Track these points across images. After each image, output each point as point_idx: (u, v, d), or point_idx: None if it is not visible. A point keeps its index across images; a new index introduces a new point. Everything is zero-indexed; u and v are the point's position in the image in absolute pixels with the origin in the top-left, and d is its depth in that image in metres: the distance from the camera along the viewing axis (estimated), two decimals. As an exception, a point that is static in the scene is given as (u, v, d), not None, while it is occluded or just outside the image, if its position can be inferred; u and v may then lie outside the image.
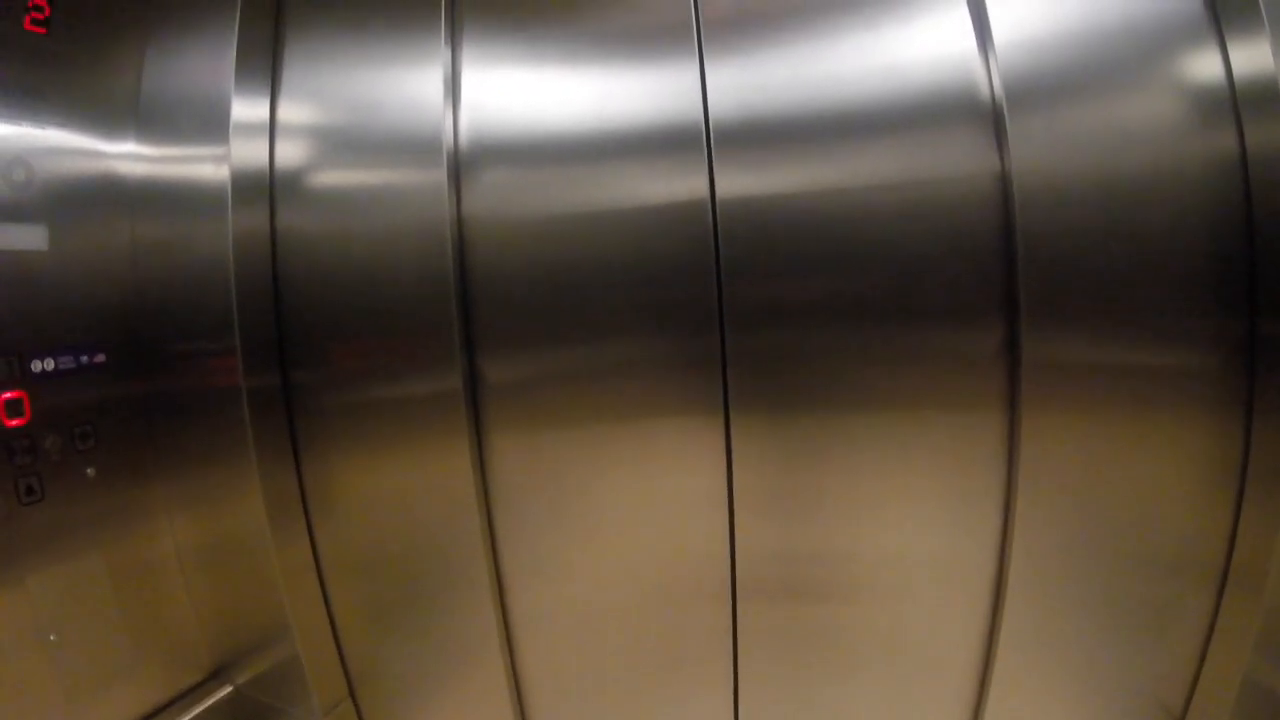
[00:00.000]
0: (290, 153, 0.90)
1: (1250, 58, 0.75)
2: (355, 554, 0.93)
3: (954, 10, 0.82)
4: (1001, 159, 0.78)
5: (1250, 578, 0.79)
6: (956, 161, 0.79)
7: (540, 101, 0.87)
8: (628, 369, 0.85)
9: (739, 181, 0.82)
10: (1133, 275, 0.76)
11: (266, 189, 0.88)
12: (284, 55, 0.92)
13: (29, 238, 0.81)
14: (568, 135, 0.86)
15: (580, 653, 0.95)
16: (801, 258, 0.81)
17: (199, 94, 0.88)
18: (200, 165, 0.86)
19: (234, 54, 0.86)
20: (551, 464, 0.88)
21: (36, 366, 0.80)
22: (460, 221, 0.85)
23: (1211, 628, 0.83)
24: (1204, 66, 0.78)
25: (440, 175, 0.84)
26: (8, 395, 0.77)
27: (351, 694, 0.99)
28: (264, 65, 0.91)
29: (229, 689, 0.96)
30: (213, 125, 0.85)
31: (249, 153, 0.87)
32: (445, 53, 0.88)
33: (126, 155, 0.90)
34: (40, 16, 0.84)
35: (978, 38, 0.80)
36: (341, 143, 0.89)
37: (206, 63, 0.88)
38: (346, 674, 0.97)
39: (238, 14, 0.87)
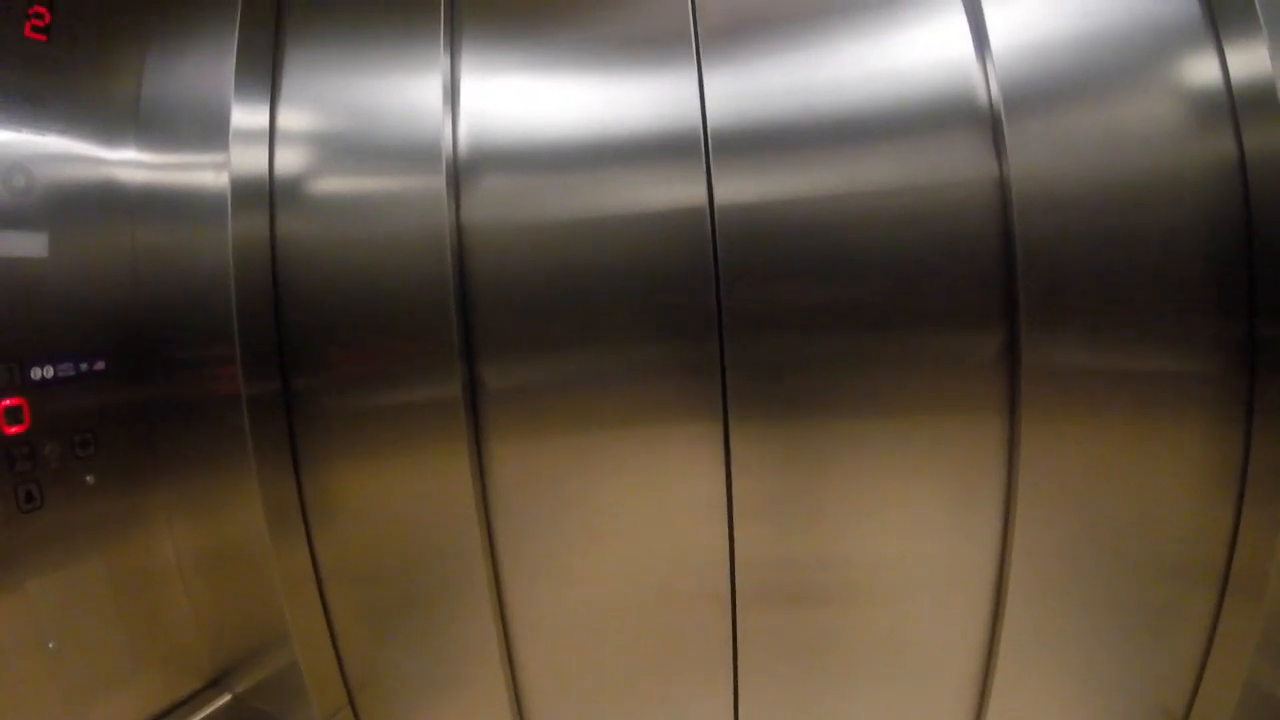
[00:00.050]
0: (290, 160, 0.90)
1: (1248, 61, 0.75)
2: (355, 561, 0.93)
3: (951, 16, 0.82)
4: (1000, 164, 0.78)
5: (1251, 581, 0.79)
6: (955, 167, 0.79)
7: (539, 108, 0.88)
8: (626, 375, 0.85)
9: (737, 188, 0.82)
10: (1132, 279, 0.76)
11: (266, 196, 0.88)
12: (284, 62, 0.93)
13: (29, 244, 0.81)
14: (566, 142, 0.86)
15: (580, 659, 0.95)
16: (800, 263, 0.81)
17: (199, 101, 0.88)
18: (200, 172, 0.86)
19: (234, 61, 0.86)
20: (551, 470, 0.88)
21: (36, 374, 0.80)
22: (459, 228, 0.85)
23: (1213, 631, 0.83)
24: (1201, 70, 0.78)
25: (439, 182, 0.85)
26: (7, 402, 0.77)
27: (351, 702, 0.99)
28: (264, 72, 0.91)
29: (228, 696, 0.96)
30: (213, 132, 0.86)
31: (249, 159, 0.87)
32: (444, 60, 0.88)
33: (126, 162, 0.90)
34: (40, 24, 0.85)
35: (975, 43, 0.81)
36: (341, 150, 0.89)
37: (206, 69, 0.88)
38: (346, 681, 0.97)
39: (237, 21, 0.88)
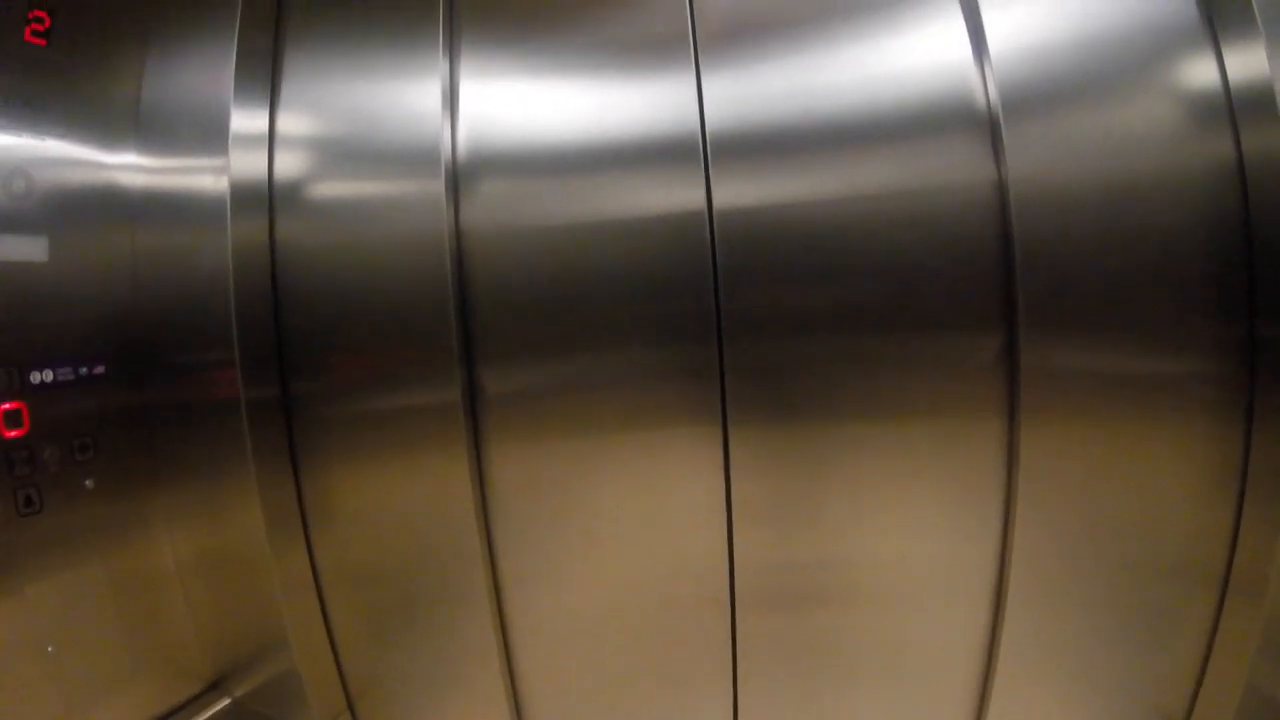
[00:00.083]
0: (289, 164, 0.90)
1: (1245, 63, 0.76)
2: (354, 566, 0.93)
3: (950, 20, 0.82)
4: (998, 167, 0.78)
5: (1252, 582, 0.79)
6: (953, 170, 0.79)
7: (538, 113, 0.88)
8: (625, 380, 0.85)
9: (736, 192, 0.82)
10: (1131, 281, 0.77)
11: (266, 200, 0.88)
12: (283, 67, 0.93)
13: (29, 248, 0.81)
14: (565, 146, 0.86)
15: (579, 664, 0.94)
16: (799, 267, 0.81)
17: (199, 105, 0.88)
18: (200, 176, 0.86)
19: (233, 65, 0.86)
20: (550, 475, 0.88)
21: (35, 378, 0.80)
22: (459, 233, 0.85)
23: (1213, 633, 0.83)
24: (1199, 73, 0.78)
25: (438, 187, 0.85)
26: (7, 406, 0.77)
27: (350, 706, 0.98)
28: (263, 77, 0.91)
29: (227, 701, 0.96)
30: (212, 136, 0.86)
31: (248, 164, 0.87)
32: (443, 65, 0.89)
33: (126, 166, 0.90)
34: (40, 28, 0.85)
35: (973, 47, 0.81)
36: (340, 154, 0.90)
37: (206, 74, 0.88)
38: (345, 686, 0.97)
39: (237, 25, 0.88)
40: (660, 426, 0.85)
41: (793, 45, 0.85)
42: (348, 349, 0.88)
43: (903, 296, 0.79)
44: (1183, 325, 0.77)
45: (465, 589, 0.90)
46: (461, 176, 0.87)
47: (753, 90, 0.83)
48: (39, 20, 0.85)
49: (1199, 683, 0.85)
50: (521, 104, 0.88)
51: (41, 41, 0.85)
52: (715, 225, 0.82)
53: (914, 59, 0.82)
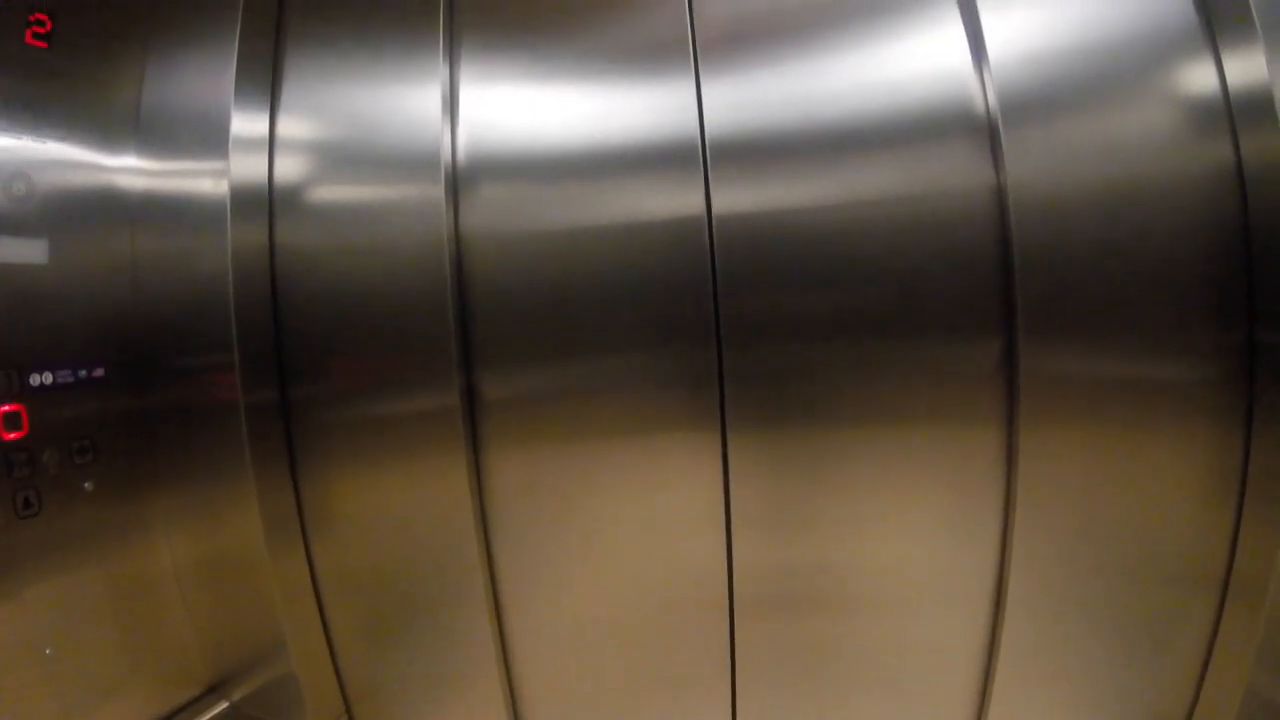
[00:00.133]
0: (289, 168, 0.90)
1: (1245, 68, 0.76)
2: (352, 570, 0.92)
3: (949, 26, 0.82)
4: (997, 173, 0.78)
5: (1251, 587, 0.78)
6: (952, 176, 0.79)
7: (538, 118, 0.88)
8: (624, 385, 0.85)
9: (735, 197, 0.82)
10: (1130, 286, 0.77)
11: (266, 204, 0.88)
12: (284, 71, 0.93)
13: (29, 251, 0.81)
14: (565, 152, 0.86)
15: (577, 669, 0.94)
16: (798, 273, 0.81)
17: (199, 108, 0.88)
18: (200, 180, 0.86)
19: (234, 69, 0.87)
20: (548, 480, 0.88)
21: (35, 380, 0.80)
22: (458, 238, 0.85)
23: (1213, 639, 0.83)
24: (1198, 78, 0.78)
25: (438, 191, 0.85)
26: (6, 408, 0.77)
27: (348, 711, 0.98)
28: (264, 81, 0.91)
29: (225, 705, 0.96)
30: (212, 140, 0.86)
31: (248, 167, 0.87)
32: (444, 70, 0.89)
33: (127, 169, 0.90)
34: (42, 31, 0.85)
35: (973, 53, 0.81)
36: (340, 158, 0.90)
37: (207, 77, 0.88)
38: (343, 691, 0.97)
39: (238, 29, 0.88)
40: (659, 432, 0.85)
41: (792, 51, 0.85)
42: (347, 353, 0.88)
43: (902, 302, 0.79)
44: (1182, 330, 0.77)
45: (463, 593, 0.90)
46: (461, 181, 0.87)
47: (752, 96, 0.84)
48: (40, 23, 0.85)
49: (1199, 687, 0.85)
50: (521, 109, 0.88)
51: (43, 44, 0.85)
52: (714, 231, 0.82)
53: (913, 65, 0.82)
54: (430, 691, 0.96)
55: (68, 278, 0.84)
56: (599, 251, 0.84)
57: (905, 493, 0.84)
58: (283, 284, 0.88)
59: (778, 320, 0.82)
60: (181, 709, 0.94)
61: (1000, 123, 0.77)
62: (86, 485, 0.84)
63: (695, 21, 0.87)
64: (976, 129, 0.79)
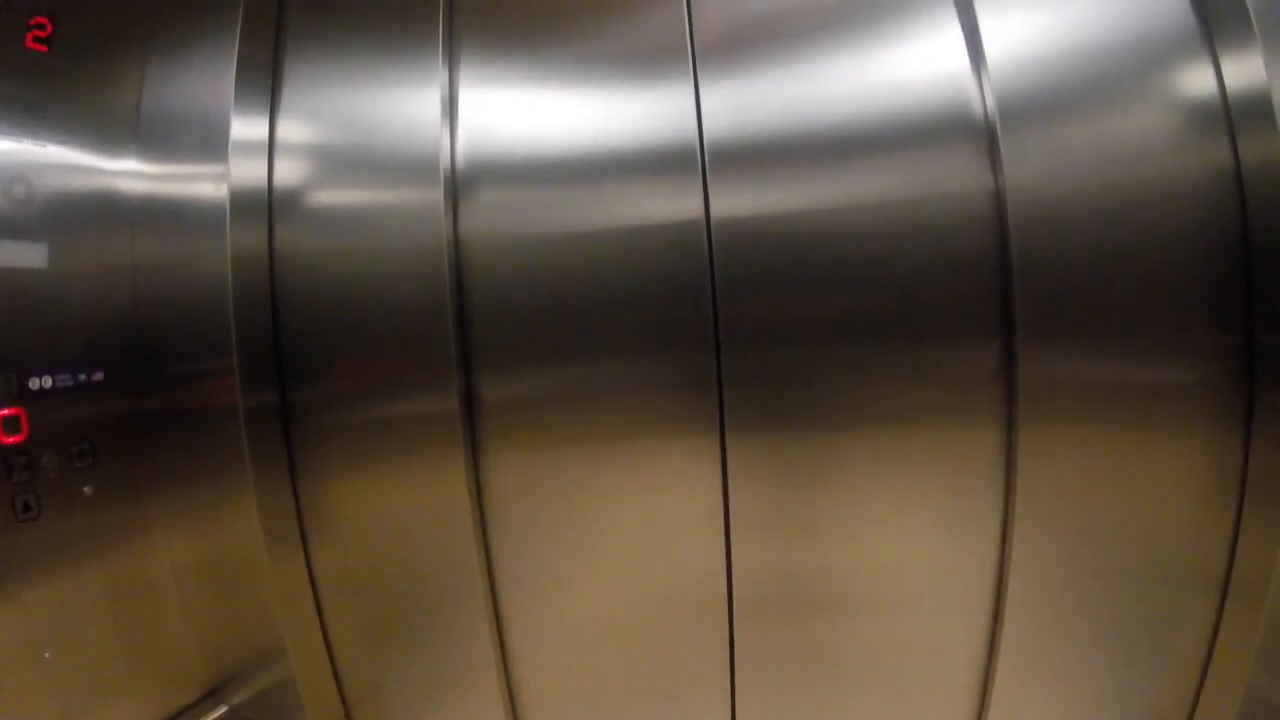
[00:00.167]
0: (289, 172, 0.90)
1: (1243, 72, 0.76)
2: (351, 573, 0.92)
3: (947, 30, 0.82)
4: (995, 176, 0.78)
5: (1251, 589, 0.79)
6: (951, 180, 0.79)
7: (537, 122, 0.88)
8: (623, 389, 0.85)
9: (734, 201, 0.82)
10: (1128, 290, 0.77)
11: (265, 208, 0.88)
12: (283, 75, 0.93)
13: (28, 254, 0.82)
14: (563, 156, 0.86)
15: (577, 673, 0.94)
16: (796, 277, 0.81)
17: (199, 112, 0.88)
18: (200, 183, 0.87)
19: (234, 73, 0.87)
20: (548, 483, 0.88)
21: (34, 384, 0.80)
22: (457, 241, 0.85)
23: (1213, 641, 0.83)
24: (1197, 81, 0.78)
25: (437, 195, 0.85)
26: (5, 412, 0.77)
27: (347, 714, 0.98)
28: (263, 85, 0.91)
29: (224, 709, 0.96)
30: (212, 144, 0.86)
31: (248, 171, 0.87)
32: (443, 74, 0.89)
33: (127, 173, 0.90)
34: (42, 34, 0.85)
35: (971, 57, 0.81)
36: (340, 162, 0.90)
37: (207, 81, 0.89)
38: (342, 694, 0.97)
39: (238, 33, 0.88)
40: (658, 435, 0.85)
41: (790, 56, 0.85)
42: (346, 356, 0.88)
43: (900, 306, 0.79)
44: (1181, 332, 0.77)
45: (463, 596, 0.90)
46: (460, 185, 0.87)
47: (751, 100, 0.84)
48: (40, 27, 0.85)
49: (1199, 689, 0.85)
50: (520, 113, 0.89)
51: (43, 48, 0.85)
52: (713, 234, 0.82)
53: (911, 69, 0.82)
54: (429, 694, 0.95)
55: (67, 281, 0.84)
56: (598, 255, 0.84)
57: (904, 495, 0.84)
58: (282, 287, 0.88)
59: (776, 323, 0.82)
60: (180, 712, 0.94)
61: (998, 126, 0.77)
62: (86, 489, 0.84)
63: (694, 26, 0.87)
64: (975, 133, 0.79)
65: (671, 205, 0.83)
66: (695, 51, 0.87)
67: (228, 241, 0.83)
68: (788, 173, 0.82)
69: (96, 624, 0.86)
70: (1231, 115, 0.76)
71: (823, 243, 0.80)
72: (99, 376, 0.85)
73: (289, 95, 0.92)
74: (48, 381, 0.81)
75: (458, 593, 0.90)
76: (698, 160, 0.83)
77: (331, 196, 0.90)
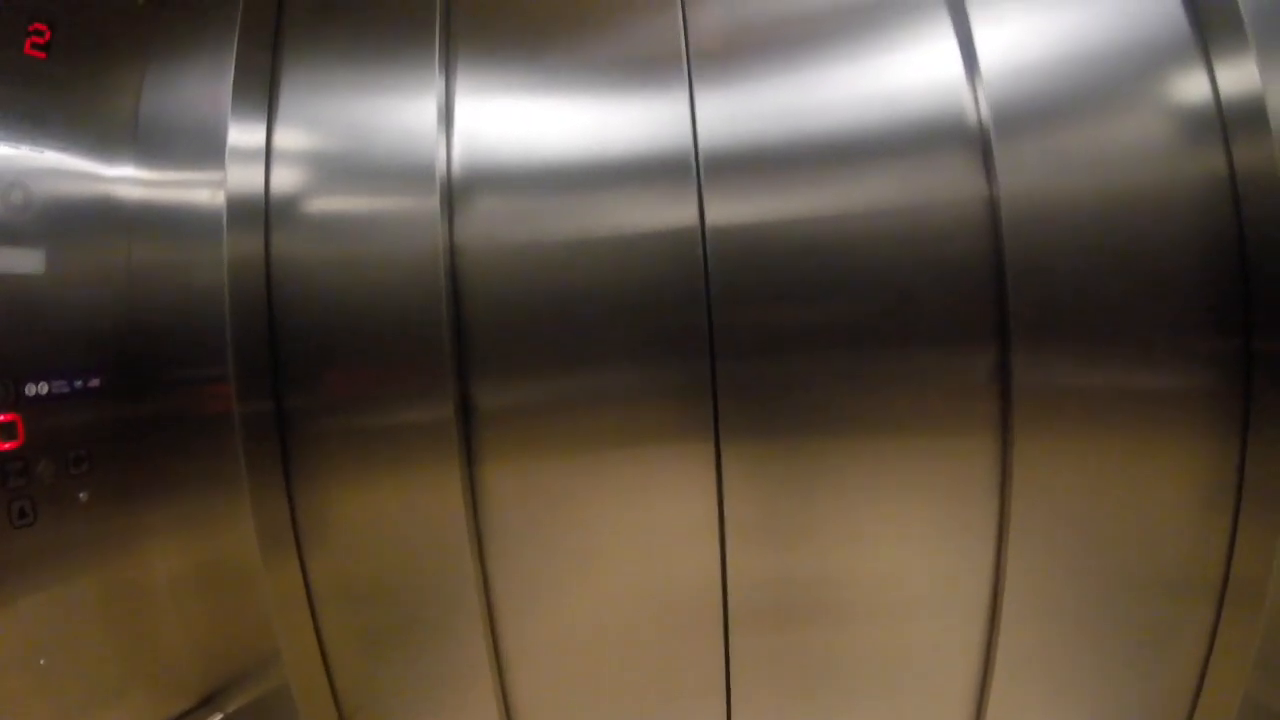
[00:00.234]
0: (285, 179, 0.90)
1: (1237, 77, 0.76)
2: (347, 582, 0.92)
3: (941, 38, 0.83)
4: (990, 184, 0.78)
5: (1248, 595, 0.79)
6: (945, 188, 0.80)
7: (533, 130, 0.88)
8: (618, 397, 0.85)
9: (728, 209, 0.82)
10: (1123, 297, 0.77)
11: (262, 215, 0.88)
12: (281, 83, 0.93)
13: (25, 260, 0.82)
14: (559, 164, 0.86)
15: (572, 680, 0.94)
16: (791, 285, 0.81)
17: (196, 119, 0.88)
18: (197, 190, 0.87)
19: (231, 80, 0.87)
20: (543, 492, 0.88)
21: (30, 390, 0.80)
22: (453, 249, 0.86)
23: (1211, 646, 0.83)
24: (1191, 87, 0.79)
25: (433, 203, 0.85)
26: (1, 418, 0.77)
27: (342, 722, 0.98)
28: (261, 92, 0.91)
29: (219, 717, 0.95)
30: (209, 151, 0.86)
31: (245, 178, 0.87)
32: (439, 82, 0.89)
33: (124, 179, 0.90)
34: (40, 41, 0.85)
35: (965, 65, 0.81)
36: (336, 170, 0.90)
37: (204, 89, 0.89)
38: (337, 702, 0.96)
39: (236, 41, 0.88)
40: (653, 443, 0.85)
41: (785, 64, 0.85)
42: (342, 364, 0.88)
43: (895, 314, 0.80)
44: (1176, 339, 0.78)
45: (458, 605, 0.89)
46: (456, 193, 0.87)
47: (745, 109, 0.84)
48: (39, 33, 0.85)
49: (1196, 695, 0.85)
50: (516, 121, 0.89)
51: (41, 54, 0.85)
52: (708, 242, 0.82)
53: (906, 78, 0.82)
54: (425, 703, 0.95)
55: (64, 287, 0.84)
56: (593, 263, 0.84)
57: (899, 501, 0.84)
58: (278, 295, 0.88)
59: (771, 331, 0.82)
60: (175, 720, 0.94)
61: (993, 134, 0.78)
62: (81, 495, 0.84)
63: (689, 34, 0.88)
64: (969, 141, 0.79)
65: (666, 213, 0.83)
66: (690, 59, 0.87)
67: (224, 248, 0.83)
68: (782, 181, 0.82)
69: (92, 630, 0.85)
70: (1226, 121, 0.77)
71: (817, 250, 0.81)
72: (95, 383, 0.85)
73: (286, 102, 0.92)
74: (44, 387, 0.81)
75: (453, 600, 0.89)
76: (692, 168, 0.84)
77: (328, 204, 0.90)
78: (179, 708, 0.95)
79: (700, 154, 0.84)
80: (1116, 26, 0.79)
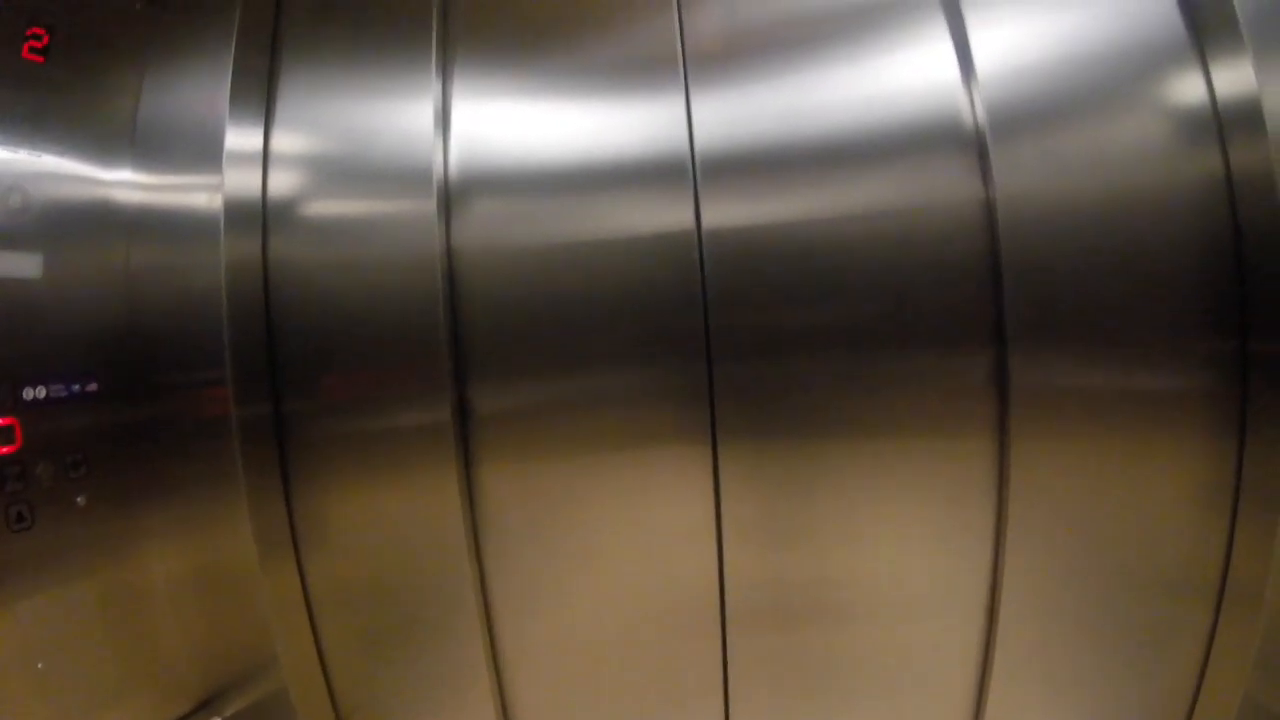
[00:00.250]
0: (283, 182, 0.90)
1: (1233, 79, 0.76)
2: (345, 585, 0.92)
3: (937, 41, 0.83)
4: (986, 186, 0.78)
5: (1247, 596, 0.79)
6: (941, 190, 0.80)
7: (529, 133, 0.88)
8: (615, 400, 0.85)
9: (724, 212, 0.83)
10: (1120, 298, 0.77)
11: (259, 218, 0.88)
12: (278, 86, 0.93)
13: (24, 264, 0.82)
14: (556, 167, 0.87)
15: (570, 683, 0.94)
16: (788, 287, 0.81)
17: (195, 122, 0.88)
18: (194, 194, 0.87)
19: (229, 84, 0.87)
20: (540, 494, 0.88)
21: (28, 394, 0.80)
22: (450, 253, 0.86)
23: (1209, 647, 0.83)
24: (1187, 89, 0.79)
25: (430, 206, 0.85)
26: (-1, 422, 0.77)
27: (340, 726, 0.98)
28: (259, 96, 0.92)
29: None
30: (207, 154, 0.86)
31: (242, 182, 0.88)
32: (436, 85, 0.89)
33: (122, 183, 0.90)
34: (39, 45, 0.86)
35: (961, 67, 0.82)
36: (333, 173, 0.90)
37: (202, 92, 0.89)
38: (335, 706, 0.96)
39: (233, 45, 0.89)
40: (650, 446, 0.85)
41: (781, 67, 0.85)
42: (339, 368, 0.88)
43: (891, 316, 0.80)
44: (1172, 340, 0.78)
45: (456, 607, 0.89)
46: (453, 196, 0.87)
47: (741, 112, 0.84)
48: (37, 37, 0.85)
49: (1195, 696, 0.85)
50: (513, 124, 0.89)
51: (39, 58, 0.85)
52: (704, 245, 0.82)
53: (901, 80, 0.82)
54: (423, 705, 0.95)
55: (62, 291, 0.84)
56: (590, 266, 0.84)
57: (896, 506, 0.84)
58: (276, 298, 0.88)
59: (767, 334, 0.82)
60: (173, 724, 0.94)
61: (989, 136, 0.78)
62: (79, 499, 0.84)
63: (685, 37, 0.88)
64: (965, 143, 0.80)
65: (663, 216, 0.83)
66: (686, 62, 0.87)
67: (222, 251, 0.83)
68: (778, 183, 0.82)
69: (89, 634, 0.85)
70: (1222, 123, 0.77)
71: (813, 253, 0.81)
72: (93, 387, 0.85)
73: (284, 105, 0.92)
74: (41, 391, 0.81)
75: (450, 602, 0.89)
76: (689, 171, 0.84)
77: (325, 207, 0.90)
78: (177, 711, 0.95)
79: (696, 157, 0.84)
80: (1112, 29, 0.80)
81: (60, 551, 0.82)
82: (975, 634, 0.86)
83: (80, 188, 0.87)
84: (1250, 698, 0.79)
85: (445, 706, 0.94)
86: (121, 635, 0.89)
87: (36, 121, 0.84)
